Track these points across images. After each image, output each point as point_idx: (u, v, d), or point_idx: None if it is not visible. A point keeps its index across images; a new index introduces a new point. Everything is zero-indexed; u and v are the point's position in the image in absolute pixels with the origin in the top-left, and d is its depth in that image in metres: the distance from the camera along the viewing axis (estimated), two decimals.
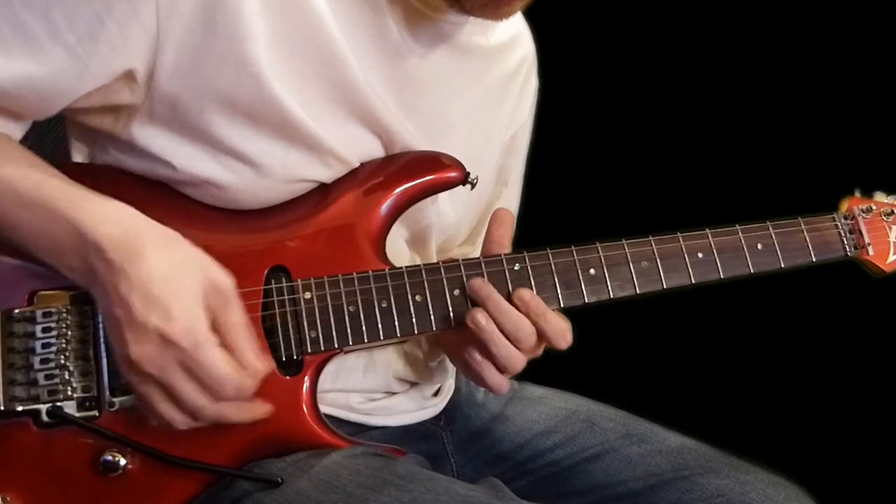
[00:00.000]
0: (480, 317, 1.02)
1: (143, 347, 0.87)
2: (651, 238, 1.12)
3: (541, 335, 1.03)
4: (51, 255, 0.92)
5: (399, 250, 1.14)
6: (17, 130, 1.02)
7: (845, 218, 1.22)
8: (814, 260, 1.19)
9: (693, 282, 1.13)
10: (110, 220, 0.90)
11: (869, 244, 1.21)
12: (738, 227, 1.16)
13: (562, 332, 1.04)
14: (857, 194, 1.26)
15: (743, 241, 1.15)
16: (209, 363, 0.88)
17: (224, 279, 0.92)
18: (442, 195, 1.12)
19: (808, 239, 1.19)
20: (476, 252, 1.27)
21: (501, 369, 1.05)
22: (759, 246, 1.16)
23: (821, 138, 1.74)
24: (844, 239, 1.21)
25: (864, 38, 1.73)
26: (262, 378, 0.93)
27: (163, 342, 0.87)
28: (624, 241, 1.12)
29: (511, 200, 1.34)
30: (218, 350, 0.89)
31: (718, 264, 1.14)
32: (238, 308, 0.92)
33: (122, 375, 0.92)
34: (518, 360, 1.04)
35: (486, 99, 1.20)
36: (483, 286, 1.03)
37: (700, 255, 1.13)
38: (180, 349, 0.87)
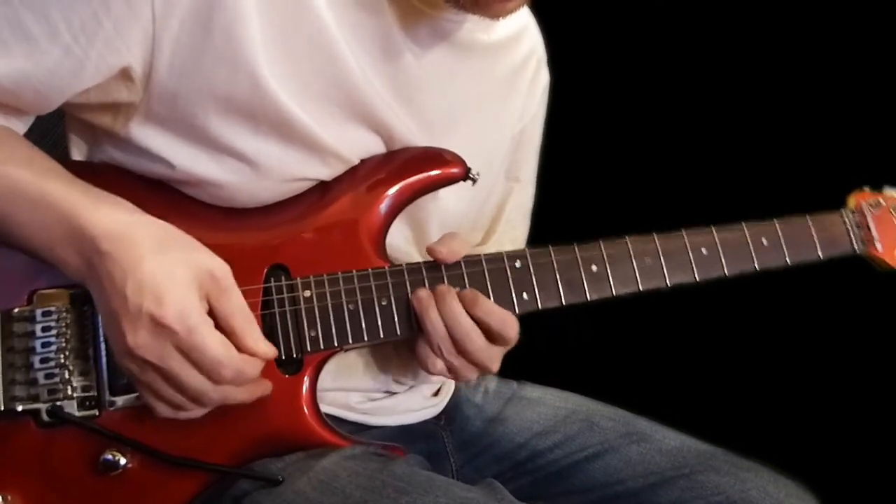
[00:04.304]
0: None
1: (139, 335, 0.89)
2: (655, 235, 1.14)
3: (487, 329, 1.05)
4: (47, 248, 0.95)
5: (400, 247, 1.16)
6: (20, 125, 1.05)
7: (853, 213, 1.23)
8: (821, 256, 1.20)
9: (697, 279, 1.15)
10: (104, 213, 0.94)
11: (877, 239, 1.22)
12: (743, 223, 1.17)
13: (507, 322, 1.06)
14: (866, 189, 1.27)
15: (748, 237, 1.17)
16: (204, 347, 0.90)
17: (219, 266, 0.95)
18: (443, 191, 1.14)
19: (814, 234, 1.20)
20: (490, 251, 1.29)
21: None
22: (765, 242, 1.17)
23: (828, 133, 1.76)
24: (852, 234, 1.22)
25: (872, 33, 1.74)
26: (262, 364, 0.96)
27: (156, 328, 0.89)
28: (627, 237, 1.14)
29: (523, 197, 1.37)
30: (214, 334, 0.92)
31: (723, 261, 1.16)
32: (235, 293, 0.95)
33: (121, 369, 0.95)
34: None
35: (490, 95, 1.23)
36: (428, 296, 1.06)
37: (704, 251, 1.15)
38: (174, 334, 0.89)
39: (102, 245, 0.91)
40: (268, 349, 0.96)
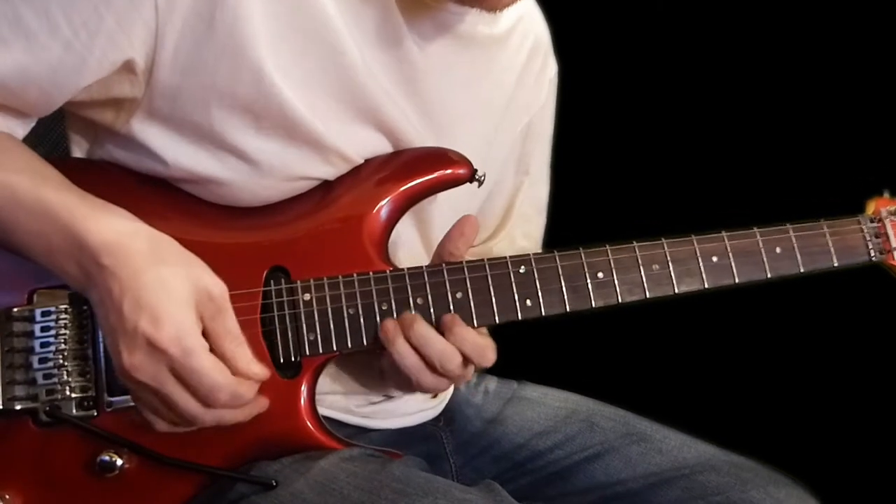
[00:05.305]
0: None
1: (135, 355, 0.90)
2: (663, 240, 1.12)
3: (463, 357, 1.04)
4: (46, 258, 0.96)
5: (403, 247, 1.15)
6: (21, 128, 1.05)
7: (871, 220, 1.20)
8: (836, 265, 1.18)
9: (706, 287, 1.13)
10: (105, 224, 0.93)
11: None
12: (755, 229, 1.15)
13: (480, 350, 1.04)
14: (886, 195, 1.23)
15: (761, 245, 1.15)
16: (199, 370, 0.91)
17: (216, 287, 0.94)
18: (448, 191, 1.12)
19: (830, 242, 1.17)
20: (496, 247, 1.30)
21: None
22: (778, 249, 1.15)
23: (847, 136, 1.71)
24: (869, 243, 1.19)
25: (891, 32, 1.67)
26: (257, 385, 0.97)
27: (152, 349, 0.90)
28: (635, 243, 1.12)
29: (535, 190, 1.35)
30: (209, 357, 0.92)
31: (734, 268, 1.14)
32: (230, 316, 0.95)
33: (121, 384, 0.96)
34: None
35: (496, 87, 1.21)
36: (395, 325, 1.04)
37: (715, 258, 1.13)
38: (169, 356, 0.90)
39: (101, 258, 0.91)
40: (259, 371, 0.96)
